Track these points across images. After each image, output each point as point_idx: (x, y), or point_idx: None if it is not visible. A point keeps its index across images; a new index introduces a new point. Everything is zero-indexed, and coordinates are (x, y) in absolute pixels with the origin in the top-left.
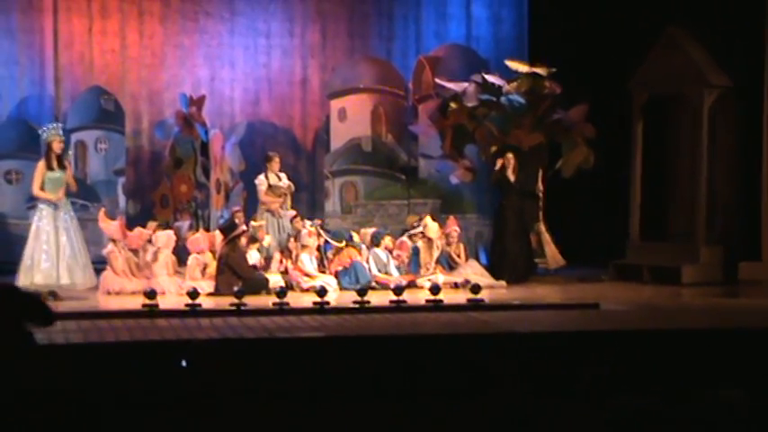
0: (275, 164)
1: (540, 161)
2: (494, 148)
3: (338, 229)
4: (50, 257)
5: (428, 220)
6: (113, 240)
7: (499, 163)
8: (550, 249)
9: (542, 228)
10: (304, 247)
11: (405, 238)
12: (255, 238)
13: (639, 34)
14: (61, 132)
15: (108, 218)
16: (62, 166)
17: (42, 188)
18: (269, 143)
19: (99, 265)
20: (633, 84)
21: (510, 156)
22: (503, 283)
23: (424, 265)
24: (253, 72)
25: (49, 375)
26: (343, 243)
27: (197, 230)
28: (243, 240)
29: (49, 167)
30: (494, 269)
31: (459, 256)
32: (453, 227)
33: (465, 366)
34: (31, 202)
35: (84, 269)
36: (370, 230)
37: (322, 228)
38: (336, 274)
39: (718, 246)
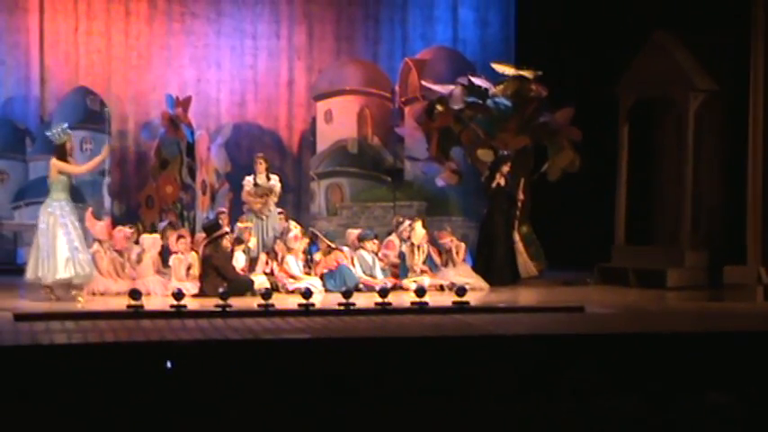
0: (259, 165)
1: (526, 165)
2: (481, 152)
3: (327, 231)
4: (82, 250)
5: (417, 225)
6: (99, 241)
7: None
8: (522, 258)
9: (517, 236)
10: (290, 249)
11: (392, 237)
12: (241, 240)
13: (626, 38)
14: (69, 131)
15: (95, 218)
16: None
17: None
18: (255, 145)
19: None
20: (620, 87)
21: (505, 167)
22: (486, 284)
23: (411, 268)
24: (239, 73)
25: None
26: (334, 244)
27: (178, 228)
28: (226, 241)
29: None
30: (482, 273)
31: (458, 254)
32: (443, 240)
33: (450, 369)
34: (17, 201)
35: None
36: (356, 231)
37: (315, 232)
38: (322, 277)
39: (704, 249)
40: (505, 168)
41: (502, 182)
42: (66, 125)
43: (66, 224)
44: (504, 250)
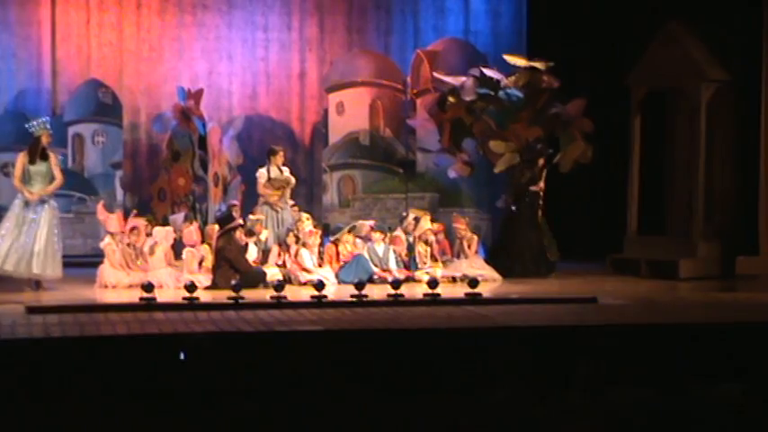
0: (279, 158)
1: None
2: (493, 144)
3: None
4: (24, 247)
5: (423, 220)
6: (111, 233)
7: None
8: None
9: None
10: (305, 244)
11: (398, 232)
12: (253, 232)
13: (638, 28)
14: (49, 126)
15: (107, 211)
16: (45, 158)
17: (23, 181)
18: (267, 137)
19: (96, 258)
20: (631, 78)
21: (541, 161)
22: (499, 276)
23: (420, 260)
24: (251, 65)
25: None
26: (347, 231)
27: (193, 221)
28: (239, 234)
29: (32, 161)
30: (525, 266)
31: (470, 247)
32: (457, 224)
33: (463, 360)
34: None
35: (44, 261)
36: (367, 223)
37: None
38: (340, 268)
39: (716, 240)
40: (541, 162)
41: (542, 183)
42: (46, 119)
43: (7, 217)
44: (540, 240)
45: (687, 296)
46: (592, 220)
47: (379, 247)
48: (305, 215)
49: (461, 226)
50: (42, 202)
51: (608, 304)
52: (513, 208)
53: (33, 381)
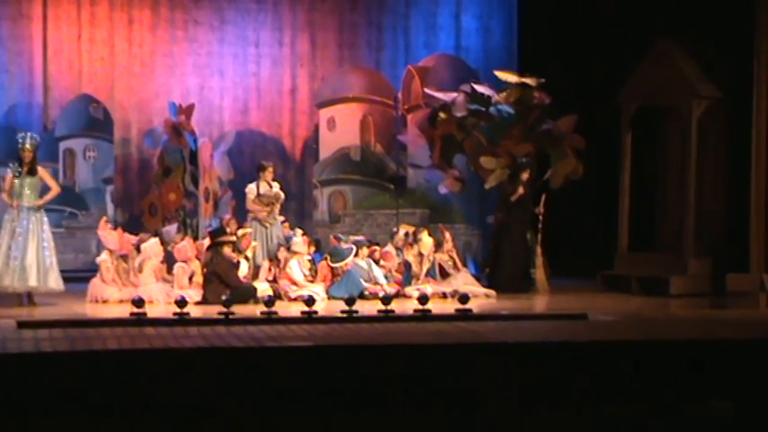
0: (269, 173)
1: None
2: (484, 160)
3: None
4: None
5: (424, 235)
6: (109, 250)
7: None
8: (540, 274)
9: (538, 250)
10: (295, 253)
11: (389, 247)
12: (241, 249)
13: (629, 45)
14: (30, 141)
15: (109, 228)
16: (32, 173)
17: (11, 194)
18: (258, 152)
19: (87, 273)
20: (623, 95)
21: (524, 175)
22: (492, 292)
23: (415, 277)
24: (242, 81)
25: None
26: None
27: (185, 235)
28: (227, 249)
29: (17, 175)
30: (507, 281)
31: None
32: (446, 236)
33: (453, 376)
34: None
35: (40, 273)
36: (353, 239)
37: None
38: (331, 284)
39: (707, 257)
40: (525, 176)
41: (521, 190)
42: (31, 134)
43: (1, 235)
44: (526, 260)
45: (678, 313)
46: (583, 236)
47: (363, 262)
48: (299, 231)
49: (449, 239)
50: (30, 214)
51: (598, 321)
52: (490, 221)
53: (23, 396)
